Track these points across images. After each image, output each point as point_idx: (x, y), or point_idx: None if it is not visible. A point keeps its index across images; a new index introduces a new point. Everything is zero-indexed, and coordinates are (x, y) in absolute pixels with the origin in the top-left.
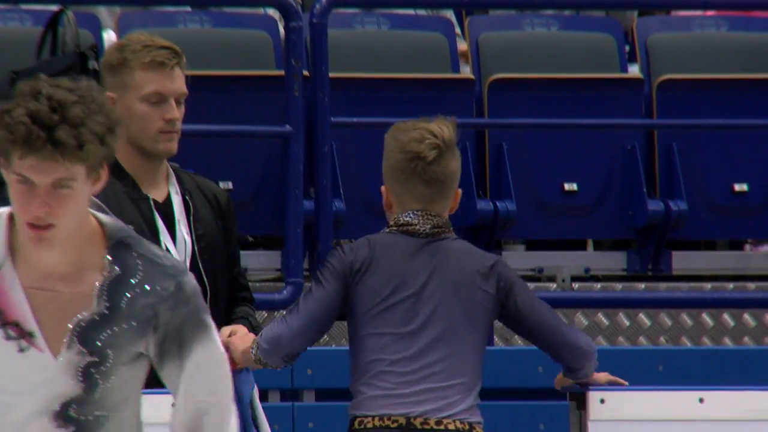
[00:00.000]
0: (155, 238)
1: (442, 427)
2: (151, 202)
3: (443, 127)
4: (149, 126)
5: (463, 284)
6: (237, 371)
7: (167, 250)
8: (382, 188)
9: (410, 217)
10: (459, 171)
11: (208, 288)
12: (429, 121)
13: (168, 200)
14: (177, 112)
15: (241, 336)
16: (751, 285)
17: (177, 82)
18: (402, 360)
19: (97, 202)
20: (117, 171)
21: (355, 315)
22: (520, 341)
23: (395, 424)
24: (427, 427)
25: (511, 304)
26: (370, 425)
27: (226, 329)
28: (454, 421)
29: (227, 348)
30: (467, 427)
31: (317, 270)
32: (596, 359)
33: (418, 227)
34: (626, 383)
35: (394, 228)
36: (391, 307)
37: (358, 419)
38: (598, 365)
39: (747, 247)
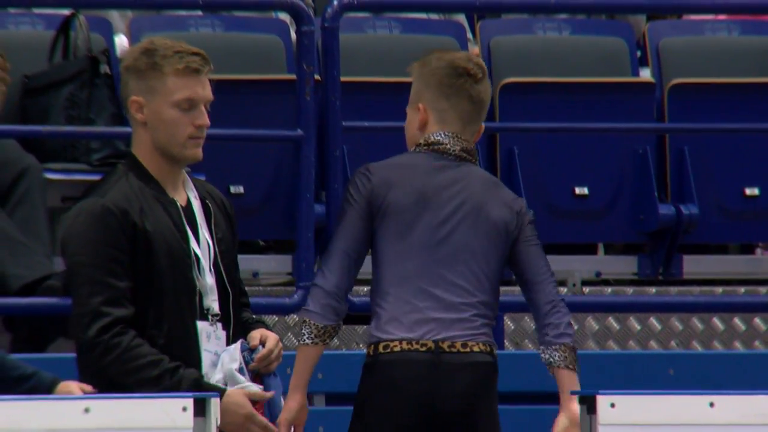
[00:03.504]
0: (185, 242)
1: (468, 350)
2: (179, 206)
3: (478, 56)
4: (179, 132)
5: (486, 209)
6: (268, 376)
7: (195, 254)
8: (417, 107)
9: (441, 136)
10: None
11: (229, 291)
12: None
13: (189, 204)
14: (207, 119)
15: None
16: (762, 289)
17: (207, 89)
18: (424, 281)
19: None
20: (144, 175)
21: (379, 233)
22: (530, 345)
23: (424, 348)
24: (454, 350)
25: (518, 244)
26: (397, 348)
27: (256, 333)
28: (478, 344)
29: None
30: (489, 348)
31: (343, 197)
32: (572, 344)
33: (448, 146)
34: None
35: (424, 147)
36: (415, 226)
37: (383, 343)
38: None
39: (758, 251)
